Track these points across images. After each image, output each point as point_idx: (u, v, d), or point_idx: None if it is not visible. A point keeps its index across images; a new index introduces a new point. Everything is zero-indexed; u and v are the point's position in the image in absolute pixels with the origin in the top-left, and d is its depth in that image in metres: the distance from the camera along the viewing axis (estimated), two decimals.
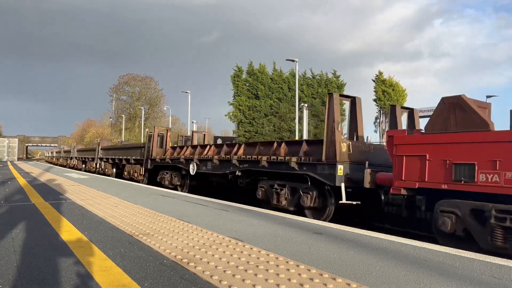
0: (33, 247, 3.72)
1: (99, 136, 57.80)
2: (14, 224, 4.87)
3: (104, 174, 21.14)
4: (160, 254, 3.52)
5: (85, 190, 9.63)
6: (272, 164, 8.49)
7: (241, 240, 4.15)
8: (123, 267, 3.09)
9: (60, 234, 4.31)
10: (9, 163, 36.78)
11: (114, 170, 20.84)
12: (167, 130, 15.20)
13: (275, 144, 8.86)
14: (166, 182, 13.65)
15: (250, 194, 9.60)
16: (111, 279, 2.80)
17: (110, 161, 20.90)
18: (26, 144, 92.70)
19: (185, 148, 13.26)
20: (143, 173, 15.67)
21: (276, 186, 8.41)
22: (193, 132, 17.73)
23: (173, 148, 14.43)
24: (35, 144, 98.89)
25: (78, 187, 10.66)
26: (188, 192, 11.56)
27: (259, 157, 8.78)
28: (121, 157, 18.95)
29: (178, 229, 4.71)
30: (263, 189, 8.82)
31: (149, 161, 14.66)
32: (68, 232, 4.45)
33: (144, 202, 7.42)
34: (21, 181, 12.67)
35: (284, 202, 8.12)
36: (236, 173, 9.58)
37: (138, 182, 15.17)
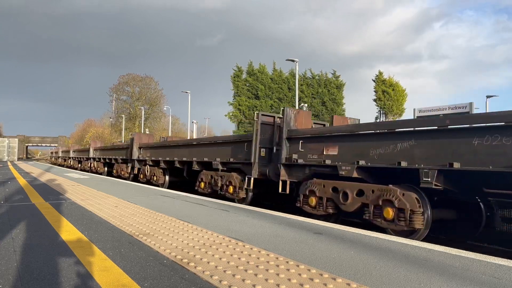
0: (33, 247, 3.72)
1: (99, 136, 57.60)
2: (14, 224, 4.87)
3: (149, 183, 14.75)
4: (160, 254, 3.52)
5: (85, 190, 9.63)
6: None
7: (241, 240, 4.15)
8: (123, 267, 3.09)
9: (60, 234, 4.31)
10: (9, 163, 36.77)
11: (167, 178, 14.47)
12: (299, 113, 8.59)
13: None
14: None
15: None
16: (111, 279, 2.80)
17: (162, 164, 14.11)
18: (26, 144, 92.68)
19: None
20: (246, 187, 9.02)
21: None
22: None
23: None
24: (35, 144, 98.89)
25: (78, 187, 10.66)
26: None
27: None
28: (188, 159, 12.09)
29: (178, 229, 4.71)
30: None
31: (282, 167, 8.00)
32: (68, 232, 4.45)
33: (144, 202, 7.43)
34: (21, 181, 12.67)
35: None
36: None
37: (233, 201, 9.11)
